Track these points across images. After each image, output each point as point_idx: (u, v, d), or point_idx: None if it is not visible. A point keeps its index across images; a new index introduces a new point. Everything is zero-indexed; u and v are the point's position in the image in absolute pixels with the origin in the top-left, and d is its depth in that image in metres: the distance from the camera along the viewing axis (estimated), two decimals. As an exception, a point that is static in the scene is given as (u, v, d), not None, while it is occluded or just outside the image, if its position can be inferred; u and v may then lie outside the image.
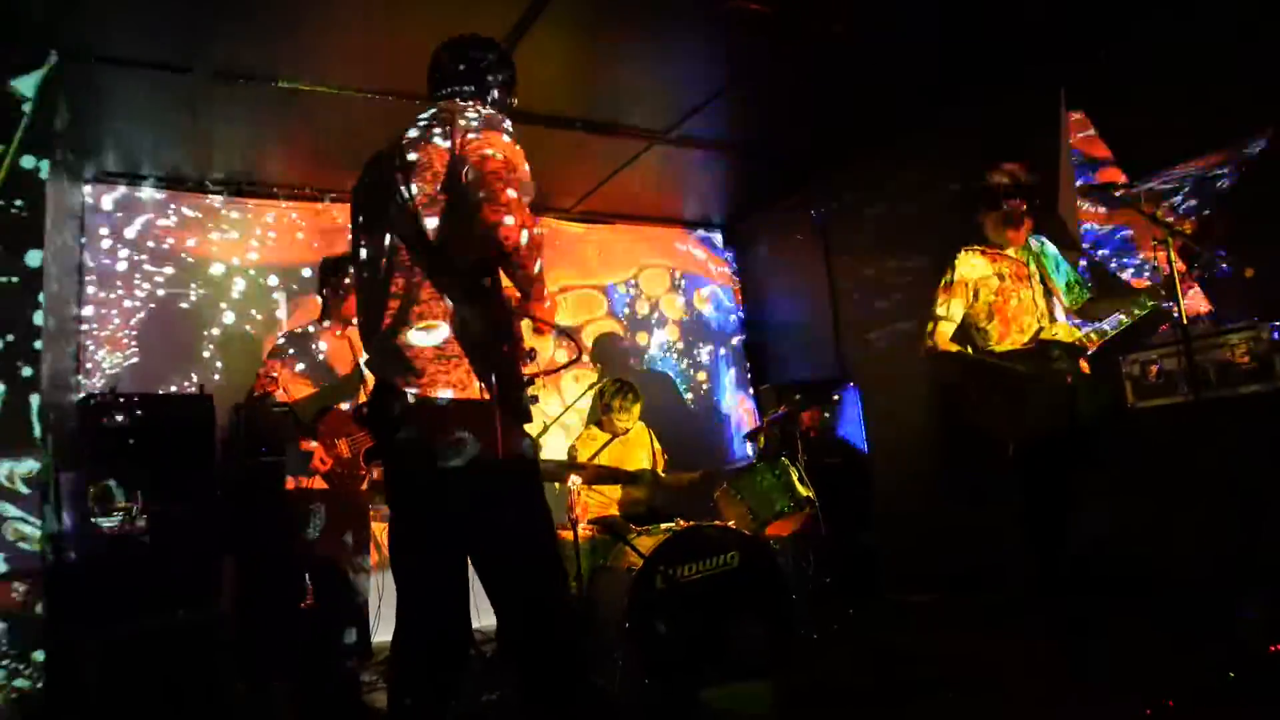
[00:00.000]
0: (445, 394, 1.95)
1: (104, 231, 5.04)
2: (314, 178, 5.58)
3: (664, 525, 3.89)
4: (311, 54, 4.10)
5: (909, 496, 5.26)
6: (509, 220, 1.85)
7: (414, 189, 1.99)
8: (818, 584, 4.53)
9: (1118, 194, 3.92)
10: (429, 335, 1.97)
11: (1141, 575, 3.63)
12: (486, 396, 1.96)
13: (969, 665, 3.44)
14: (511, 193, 1.88)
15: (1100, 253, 4.37)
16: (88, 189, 5.03)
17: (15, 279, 3.56)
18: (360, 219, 2.21)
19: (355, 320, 3.95)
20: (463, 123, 2.00)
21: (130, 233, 5.10)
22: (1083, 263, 4.29)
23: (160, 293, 5.12)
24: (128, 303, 5.02)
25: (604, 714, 3.26)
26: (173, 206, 5.27)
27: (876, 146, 5.51)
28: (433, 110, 2.13)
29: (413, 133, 2.07)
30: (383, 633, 4.82)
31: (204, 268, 5.28)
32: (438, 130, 2.03)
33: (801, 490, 4.18)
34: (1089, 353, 3.36)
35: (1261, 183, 3.71)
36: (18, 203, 3.62)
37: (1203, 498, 3.37)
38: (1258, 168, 3.74)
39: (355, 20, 3.85)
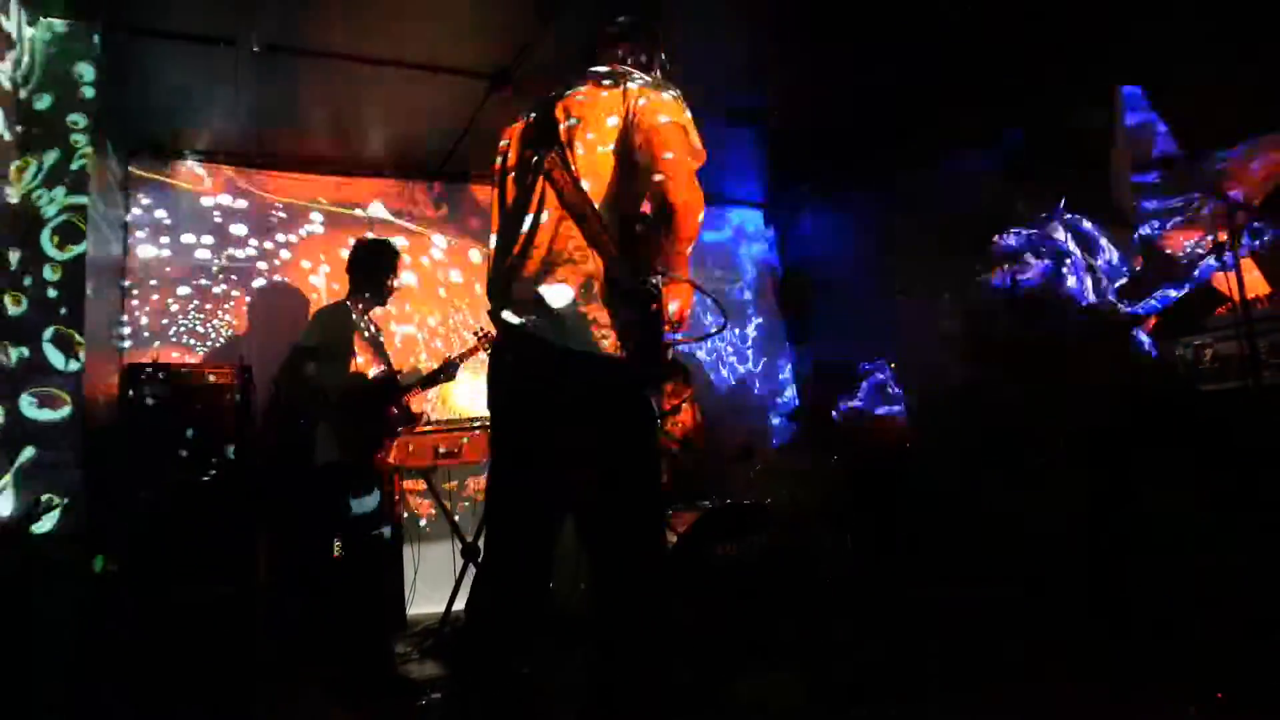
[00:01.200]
0: (582, 346, 1.95)
1: (148, 205, 5.09)
2: (361, 151, 5.58)
3: (701, 503, 3.85)
4: (357, 26, 4.08)
5: (951, 481, 5.15)
6: (685, 193, 1.97)
7: (578, 143, 2.03)
8: (855, 568, 4.46)
9: (1178, 169, 3.78)
10: (573, 286, 1.97)
11: (1194, 568, 3.52)
12: (623, 354, 1.96)
13: (1010, 655, 3.36)
14: (690, 160, 1.99)
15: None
16: (132, 164, 5.07)
17: (61, 257, 3.58)
18: (511, 166, 2.22)
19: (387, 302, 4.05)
20: (635, 86, 2.04)
21: (174, 206, 5.15)
22: (1136, 239, 4.15)
23: (203, 266, 5.17)
24: (172, 276, 5.07)
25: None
26: (216, 180, 5.31)
27: (922, 124, 5.38)
28: (604, 69, 2.15)
29: (582, 87, 2.11)
30: (417, 606, 4.89)
31: (248, 241, 5.32)
32: (610, 89, 2.06)
33: (839, 471, 4.12)
34: (1137, 332, 3.25)
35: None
36: (61, 179, 3.63)
37: (1261, 487, 3.25)
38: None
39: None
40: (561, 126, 2.06)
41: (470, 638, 2.09)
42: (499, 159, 2.28)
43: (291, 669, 4.01)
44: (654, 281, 1.96)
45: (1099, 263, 3.40)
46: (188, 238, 5.15)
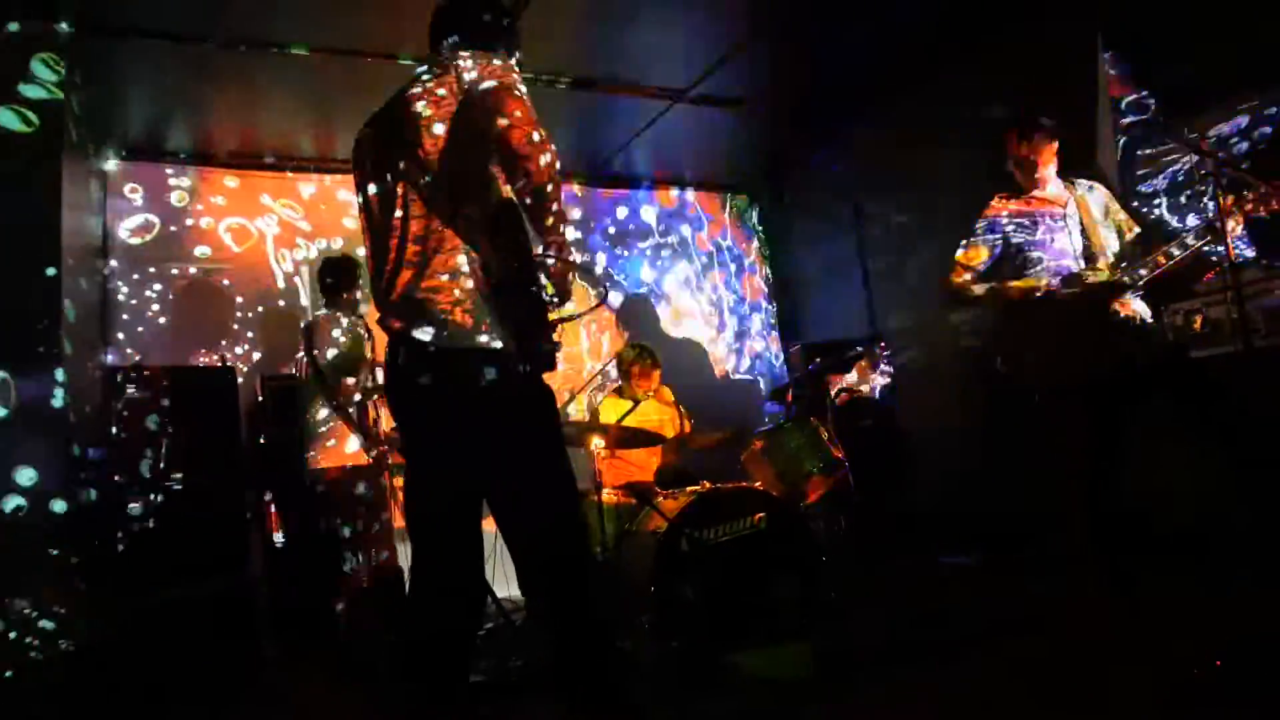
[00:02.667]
0: (467, 343, 1.94)
1: (126, 206, 5.03)
2: (338, 148, 5.50)
3: (690, 488, 3.82)
4: (333, 19, 4.02)
5: (944, 455, 5.14)
6: (542, 154, 1.87)
7: (426, 139, 1.97)
8: (851, 546, 4.44)
9: (1161, 131, 3.74)
10: (449, 285, 1.95)
11: (1190, 532, 3.49)
12: (509, 345, 1.94)
13: (1005, 625, 3.34)
14: (537, 133, 1.89)
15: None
16: (108, 164, 5.01)
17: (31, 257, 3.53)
18: (369, 173, 2.16)
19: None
20: (471, 71, 1.98)
21: (152, 207, 5.09)
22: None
23: (183, 267, 5.11)
24: (152, 277, 5.01)
25: (630, 678, 3.22)
26: (194, 179, 5.25)
27: (904, 98, 5.33)
28: (439, 59, 2.09)
29: (420, 83, 2.05)
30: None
31: (226, 240, 5.26)
32: (446, 79, 2.00)
33: (831, 451, 4.08)
34: (1127, 292, 3.21)
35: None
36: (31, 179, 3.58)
37: (1254, 452, 3.22)
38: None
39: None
40: (409, 123, 2.00)
41: (416, 643, 2.06)
42: (356, 165, 2.22)
43: (289, 661, 4.02)
44: (528, 266, 1.91)
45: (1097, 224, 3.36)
46: (167, 239, 5.09)
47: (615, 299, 6.35)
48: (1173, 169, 4.11)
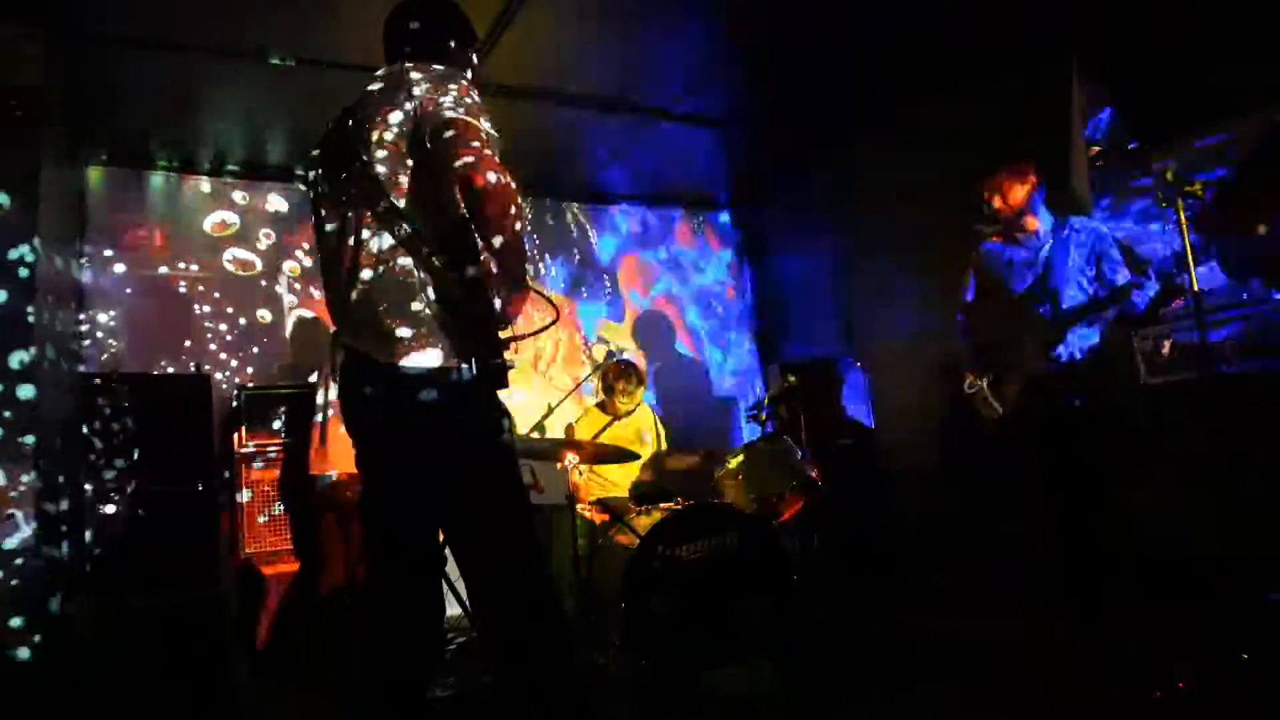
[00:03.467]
0: (420, 363, 1.91)
1: (104, 214, 5.01)
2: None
3: (663, 505, 3.83)
4: (312, 29, 4.03)
5: (919, 475, 5.17)
6: (476, 161, 1.84)
7: (377, 155, 1.96)
8: (825, 564, 4.45)
9: (1134, 160, 3.81)
10: (402, 304, 1.93)
11: (1157, 556, 3.54)
12: (462, 364, 1.92)
13: (979, 645, 3.37)
14: (477, 140, 1.87)
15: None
16: (87, 171, 4.99)
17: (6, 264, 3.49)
18: (322, 188, 2.14)
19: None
20: (421, 82, 1.97)
21: (130, 215, 5.08)
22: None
23: (162, 275, 5.10)
24: (129, 285, 4.99)
25: (600, 693, 3.23)
26: (174, 189, 5.24)
27: (886, 121, 5.39)
28: (389, 72, 2.07)
29: (371, 97, 2.04)
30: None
31: (206, 250, 5.25)
32: (396, 92, 1.98)
33: (805, 470, 4.10)
34: (1062, 333, 3.30)
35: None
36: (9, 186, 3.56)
37: (1220, 476, 3.29)
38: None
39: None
40: (360, 136, 1.99)
41: (373, 669, 2.03)
42: (310, 182, 2.20)
43: (259, 676, 3.99)
44: (481, 285, 1.91)
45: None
46: (147, 248, 5.07)
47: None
48: (1139, 198, 4.18)
